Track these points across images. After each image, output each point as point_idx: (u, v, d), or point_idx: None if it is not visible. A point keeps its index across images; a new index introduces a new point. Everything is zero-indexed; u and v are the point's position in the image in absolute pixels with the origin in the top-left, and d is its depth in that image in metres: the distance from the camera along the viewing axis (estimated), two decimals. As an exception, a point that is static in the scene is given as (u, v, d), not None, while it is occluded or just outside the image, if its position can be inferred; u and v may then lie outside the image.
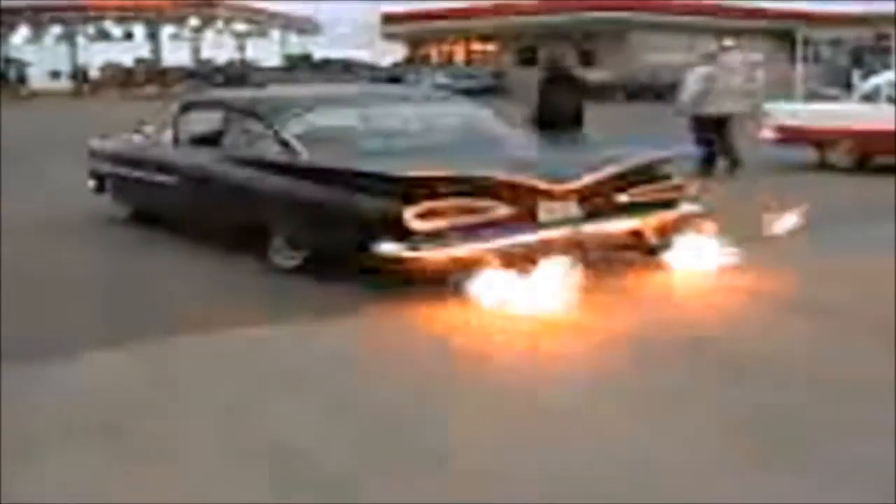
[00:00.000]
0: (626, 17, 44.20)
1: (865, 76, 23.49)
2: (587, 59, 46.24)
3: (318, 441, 3.98)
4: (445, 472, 3.68)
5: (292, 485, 3.59)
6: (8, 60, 58.77)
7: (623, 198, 6.81)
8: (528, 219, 6.40)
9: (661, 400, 4.40)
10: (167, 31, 63.72)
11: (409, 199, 6.04)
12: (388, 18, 55.88)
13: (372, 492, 3.52)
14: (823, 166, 13.59)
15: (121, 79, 56.45)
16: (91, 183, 9.82)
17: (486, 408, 4.34)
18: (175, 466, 3.75)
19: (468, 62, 52.74)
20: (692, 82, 12.15)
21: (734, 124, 11.86)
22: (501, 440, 3.96)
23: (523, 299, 5.74)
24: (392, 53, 60.02)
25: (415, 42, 56.42)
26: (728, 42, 12.12)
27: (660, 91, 38.94)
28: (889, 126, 12.63)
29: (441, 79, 42.21)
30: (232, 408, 4.38)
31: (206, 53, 63.25)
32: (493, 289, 5.85)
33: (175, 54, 61.62)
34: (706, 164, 11.42)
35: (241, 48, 66.02)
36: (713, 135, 11.86)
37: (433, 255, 6.02)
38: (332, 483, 3.59)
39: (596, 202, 6.66)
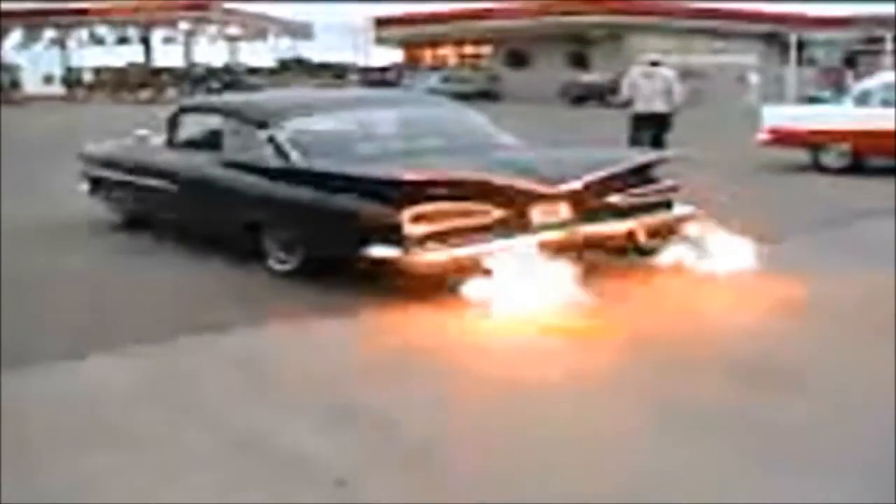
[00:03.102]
0: (620, 21, 44.24)
1: (858, 78, 23.57)
2: (581, 62, 46.31)
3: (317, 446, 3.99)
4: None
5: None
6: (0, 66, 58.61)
7: (617, 200, 6.83)
8: (521, 221, 6.41)
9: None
10: (160, 35, 63.63)
11: (404, 203, 6.05)
12: (381, 22, 55.87)
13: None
14: (816, 168, 13.65)
15: (114, 83, 56.30)
16: (85, 186, 9.80)
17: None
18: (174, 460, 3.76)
19: (461, 66, 52.71)
20: (623, 87, 13.91)
21: (666, 121, 13.48)
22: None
23: (516, 302, 5.75)
24: (384, 57, 60.05)
25: (407, 46, 56.41)
26: (653, 57, 14.01)
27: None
28: (881, 128, 12.68)
29: (434, 83, 42.17)
30: (225, 408, 4.39)
31: (199, 58, 63.20)
32: (487, 291, 5.86)
33: (168, 59, 61.58)
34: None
35: (235, 52, 65.98)
36: (647, 130, 13.51)
37: (428, 258, 6.02)
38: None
39: (589, 204, 6.68)
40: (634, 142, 13.54)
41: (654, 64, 13.73)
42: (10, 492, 3.51)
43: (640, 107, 13.68)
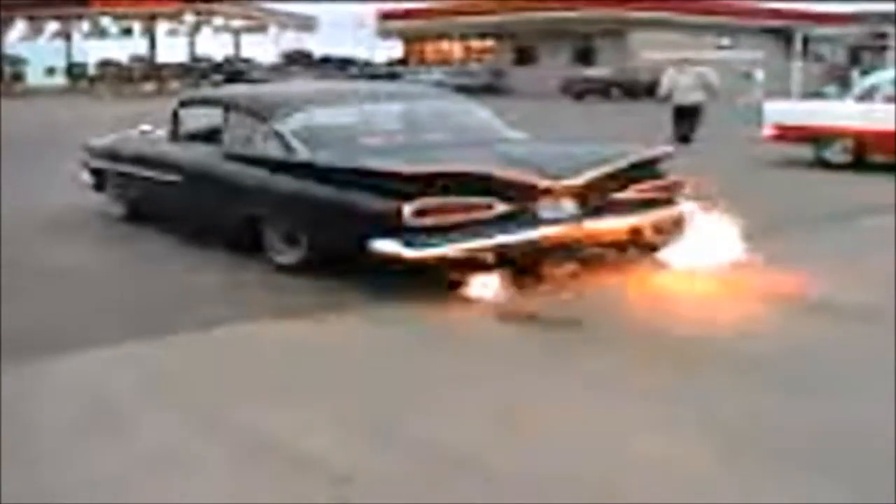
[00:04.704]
0: (625, 15, 44.18)
1: (863, 74, 23.55)
2: (585, 58, 46.25)
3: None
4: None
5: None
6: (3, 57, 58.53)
7: (621, 195, 6.81)
8: (526, 216, 6.40)
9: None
10: (163, 27, 63.59)
11: (408, 196, 6.03)
12: (385, 16, 55.82)
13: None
14: (819, 164, 13.63)
15: (118, 76, 56.28)
16: (88, 180, 9.79)
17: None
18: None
19: (465, 60, 52.67)
20: (663, 83, 16.67)
21: (698, 112, 16.17)
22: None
23: (521, 296, 5.75)
24: (388, 51, 60.02)
25: (411, 40, 56.36)
26: (678, 55, 17.71)
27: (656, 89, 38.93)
28: (885, 125, 12.67)
29: (438, 77, 42.09)
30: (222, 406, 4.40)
31: (202, 50, 63.17)
32: (490, 286, 5.86)
33: (171, 51, 61.50)
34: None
35: (238, 45, 65.92)
36: (687, 120, 16.16)
37: (431, 252, 6.01)
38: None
39: (594, 199, 6.65)
40: (679, 131, 15.87)
41: (686, 61, 16.56)
42: (11, 491, 3.52)
43: (679, 99, 16.11)
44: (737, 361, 4.88)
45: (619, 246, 7.01)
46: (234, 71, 51.38)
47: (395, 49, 58.98)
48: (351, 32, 62.02)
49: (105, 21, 62.51)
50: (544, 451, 3.82)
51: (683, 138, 16.00)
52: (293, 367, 4.96)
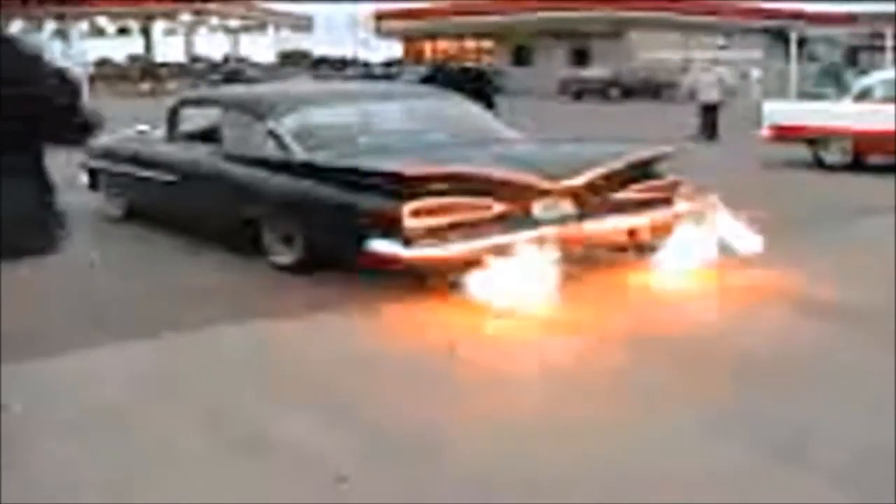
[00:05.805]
0: (622, 16, 44.17)
1: (859, 75, 23.57)
2: (581, 58, 46.24)
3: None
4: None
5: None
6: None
7: (618, 196, 6.80)
8: (523, 216, 6.38)
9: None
10: (160, 27, 63.60)
11: (405, 197, 6.03)
12: (382, 16, 55.79)
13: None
14: (818, 165, 13.63)
15: (115, 75, 56.21)
16: (84, 179, 9.77)
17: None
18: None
19: (462, 60, 52.58)
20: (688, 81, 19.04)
21: (716, 108, 18.21)
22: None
23: (517, 297, 5.73)
24: (386, 51, 60.05)
25: (408, 39, 56.32)
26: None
27: (656, 88, 38.91)
28: (882, 125, 12.66)
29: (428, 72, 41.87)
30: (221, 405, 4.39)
31: (199, 50, 63.19)
32: (487, 287, 5.84)
33: (168, 51, 61.56)
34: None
35: (235, 45, 65.93)
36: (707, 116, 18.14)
37: (428, 252, 6.00)
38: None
39: (591, 200, 6.65)
40: (704, 127, 17.66)
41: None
42: (10, 491, 3.50)
43: (702, 97, 18.04)
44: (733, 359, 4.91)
45: (618, 246, 7.00)
46: (232, 70, 51.34)
47: (393, 49, 59.02)
48: (348, 32, 62.06)
49: (102, 20, 62.50)
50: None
51: (710, 135, 17.49)
52: (290, 364, 4.95)
